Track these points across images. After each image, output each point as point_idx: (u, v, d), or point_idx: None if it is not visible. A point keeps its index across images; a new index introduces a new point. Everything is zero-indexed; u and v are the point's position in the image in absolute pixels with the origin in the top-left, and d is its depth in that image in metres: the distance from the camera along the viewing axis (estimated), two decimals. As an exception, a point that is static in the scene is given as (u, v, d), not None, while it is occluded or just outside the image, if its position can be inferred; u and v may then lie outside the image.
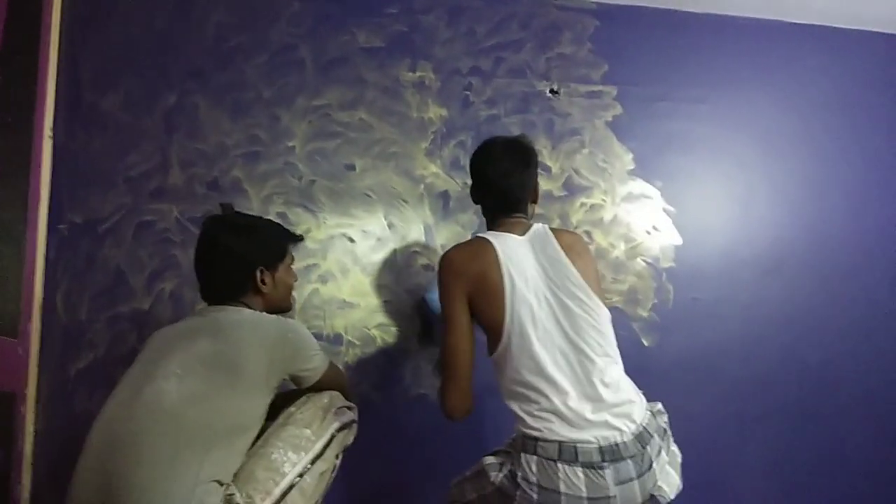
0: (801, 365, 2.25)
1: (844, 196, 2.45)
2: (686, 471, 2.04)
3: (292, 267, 1.51)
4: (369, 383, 1.92)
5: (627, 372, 1.46)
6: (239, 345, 1.22)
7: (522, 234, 1.49)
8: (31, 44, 1.71)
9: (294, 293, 1.57)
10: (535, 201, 1.62)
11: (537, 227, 1.52)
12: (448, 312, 1.45)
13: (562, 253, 1.44)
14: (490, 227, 1.57)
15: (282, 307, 1.45)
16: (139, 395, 1.14)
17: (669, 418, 1.50)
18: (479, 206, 1.65)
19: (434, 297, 1.63)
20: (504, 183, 1.53)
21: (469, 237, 2.01)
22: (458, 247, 1.54)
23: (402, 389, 1.94)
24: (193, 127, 1.93)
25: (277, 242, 1.46)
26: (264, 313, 1.34)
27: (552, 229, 1.52)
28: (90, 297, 1.78)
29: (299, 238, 1.54)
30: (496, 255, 1.42)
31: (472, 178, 1.61)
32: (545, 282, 1.42)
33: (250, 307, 1.34)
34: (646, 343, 2.13)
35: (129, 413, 1.13)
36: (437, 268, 1.53)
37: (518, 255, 1.44)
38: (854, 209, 2.45)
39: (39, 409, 1.70)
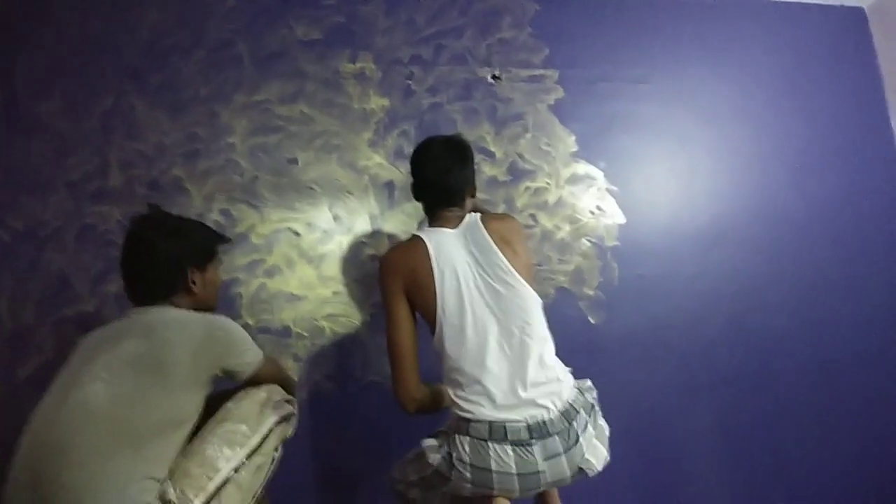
0: (744, 334, 2.32)
1: (786, 168, 2.51)
2: (637, 440, 2.14)
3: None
4: (321, 373, 1.95)
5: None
6: (166, 344, 1.24)
7: (455, 226, 1.57)
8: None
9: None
10: (472, 195, 1.69)
11: (469, 217, 1.59)
12: (388, 309, 1.54)
13: (490, 241, 1.52)
14: (430, 222, 1.65)
15: (208, 306, 1.47)
16: (66, 400, 1.16)
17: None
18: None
19: None
20: (442, 179, 1.61)
21: (415, 226, 2.06)
22: (393, 248, 1.66)
23: (354, 378, 1.97)
24: (131, 128, 1.93)
25: (207, 243, 1.49)
26: (191, 311, 1.36)
27: (484, 217, 1.59)
28: (35, 302, 1.79)
29: (227, 240, 1.57)
30: (427, 250, 1.51)
31: (413, 175, 1.68)
32: (476, 270, 1.50)
33: (177, 306, 1.37)
34: (593, 321, 2.18)
35: (57, 418, 1.15)
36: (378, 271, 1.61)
37: (448, 247, 1.52)
38: (796, 181, 2.51)
39: (-11, 416, 1.72)
